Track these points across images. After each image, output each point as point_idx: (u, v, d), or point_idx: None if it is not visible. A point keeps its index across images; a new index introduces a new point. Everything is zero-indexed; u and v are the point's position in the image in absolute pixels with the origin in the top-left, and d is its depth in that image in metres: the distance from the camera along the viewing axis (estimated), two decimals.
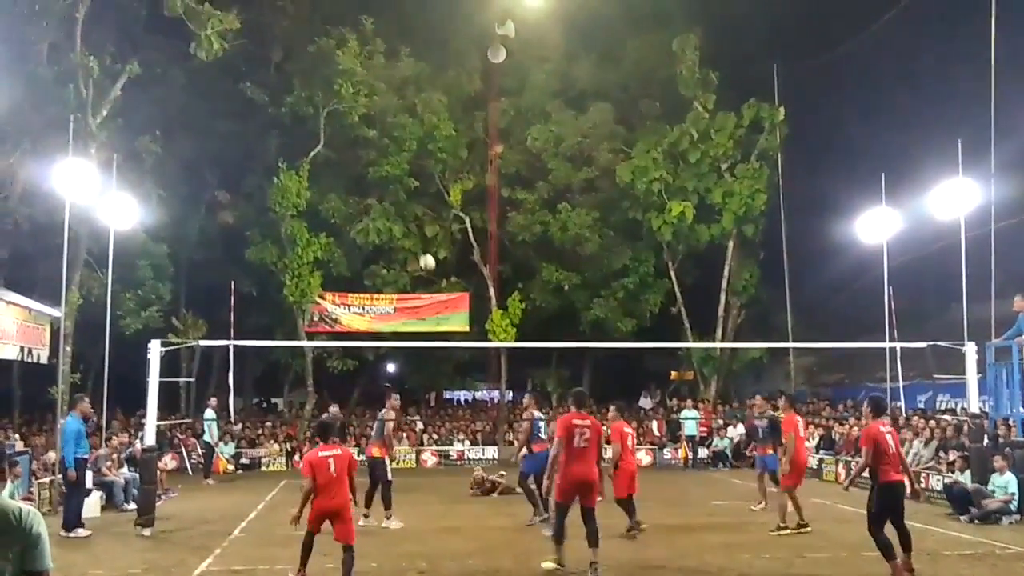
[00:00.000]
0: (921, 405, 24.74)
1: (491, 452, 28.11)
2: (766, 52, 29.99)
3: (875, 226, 24.16)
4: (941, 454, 18.69)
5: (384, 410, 15.08)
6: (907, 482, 10.16)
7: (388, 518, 14.34)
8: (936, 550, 12.02)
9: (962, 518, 14.90)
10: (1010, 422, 17.12)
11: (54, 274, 19.34)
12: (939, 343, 16.81)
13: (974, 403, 16.01)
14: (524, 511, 14.72)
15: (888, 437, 10.16)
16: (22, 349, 17.40)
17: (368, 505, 14.26)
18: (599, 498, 10.50)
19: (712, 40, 30.24)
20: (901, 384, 19.91)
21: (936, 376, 21.55)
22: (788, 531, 13.35)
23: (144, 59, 25.23)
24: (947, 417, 21.39)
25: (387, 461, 14.56)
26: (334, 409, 19.75)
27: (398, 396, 15.39)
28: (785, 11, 28.94)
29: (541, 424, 15.06)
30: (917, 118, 26.93)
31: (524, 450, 14.60)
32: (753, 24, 29.94)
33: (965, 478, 15.79)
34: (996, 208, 18.96)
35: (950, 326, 18.89)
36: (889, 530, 10.12)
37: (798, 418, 14.46)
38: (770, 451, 15.86)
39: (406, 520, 14.53)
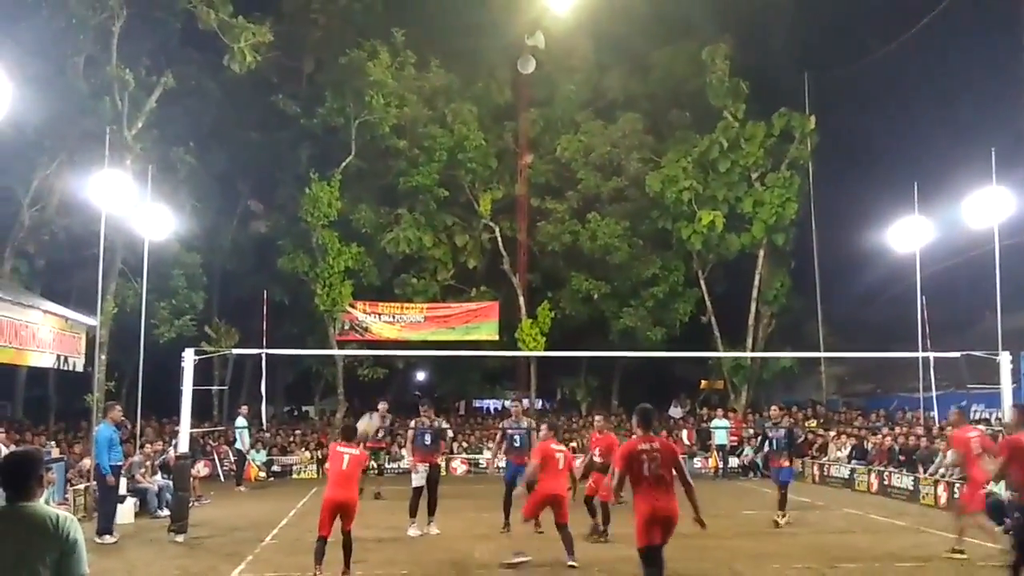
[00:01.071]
0: None
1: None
2: (796, 61, 29.92)
3: (908, 235, 24.05)
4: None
5: (417, 419, 15.24)
6: None
7: (430, 523, 14.52)
8: (971, 560, 11.91)
9: (998, 528, 14.73)
10: None
11: (90, 284, 19.66)
12: (973, 352, 16.66)
13: (1008, 413, 15.84)
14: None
15: None
16: (58, 358, 17.62)
17: (431, 513, 14.51)
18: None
19: (742, 49, 30.16)
20: (935, 393, 19.78)
21: (970, 386, 21.35)
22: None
23: (178, 72, 25.55)
24: (981, 427, 21.15)
25: (420, 467, 14.56)
26: (383, 406, 19.88)
27: (427, 405, 15.44)
28: (815, 20, 28.88)
29: (516, 436, 15.26)
30: (950, 127, 26.75)
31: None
32: (783, 33, 29.90)
33: (1000, 488, 15.61)
34: None
35: (984, 335, 18.75)
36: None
37: (970, 433, 13.27)
38: (785, 463, 15.77)
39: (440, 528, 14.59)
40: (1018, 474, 9.21)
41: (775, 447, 16.09)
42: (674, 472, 8.28)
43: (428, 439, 14.72)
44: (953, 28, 25.88)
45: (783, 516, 15.63)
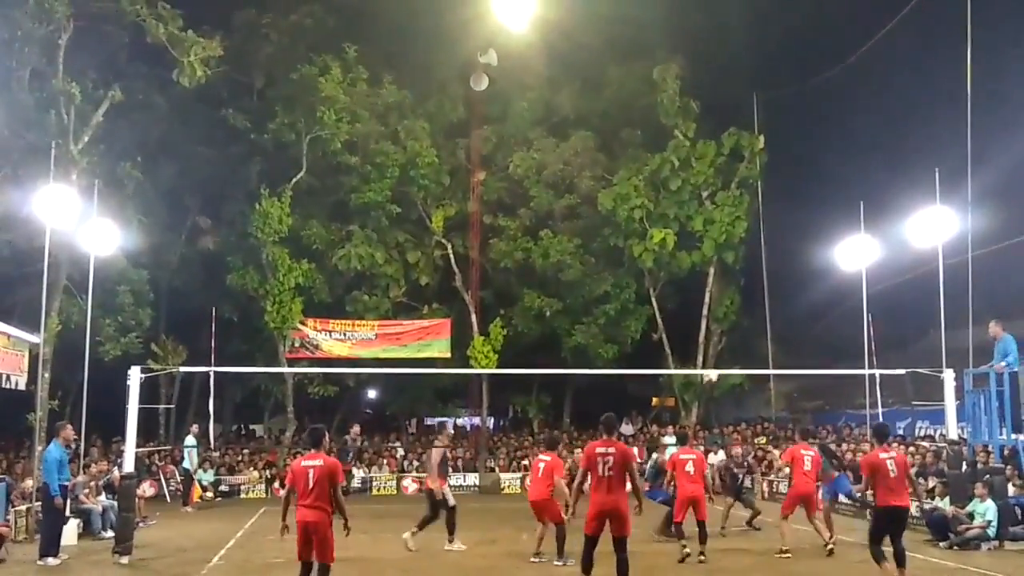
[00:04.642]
0: (900, 431, 24.86)
1: (472, 479, 28.02)
2: (746, 81, 30.30)
3: (854, 253, 24.39)
4: (920, 480, 18.75)
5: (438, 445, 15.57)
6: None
7: (450, 542, 14.57)
8: None
9: (941, 544, 14.95)
10: (988, 448, 17.23)
11: (34, 300, 19.29)
12: (918, 370, 16.94)
13: (952, 430, 16.11)
14: (512, 538, 14.74)
15: (889, 463, 10.48)
16: (0, 376, 17.24)
17: (420, 528, 14.45)
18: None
19: (692, 69, 30.55)
20: (880, 410, 20.08)
21: (915, 403, 21.70)
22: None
23: (126, 85, 25.19)
24: (926, 443, 21.51)
25: (444, 490, 14.67)
26: (355, 429, 19.79)
27: (447, 430, 15.84)
28: (764, 41, 29.30)
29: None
30: (895, 147, 27.25)
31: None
32: (733, 54, 30.25)
33: (944, 504, 15.87)
34: (973, 236, 19.16)
35: (928, 353, 19.05)
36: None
37: (803, 451, 14.34)
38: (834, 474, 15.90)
39: (386, 549, 14.46)
40: (875, 487, 10.59)
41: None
42: (626, 473, 9.99)
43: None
44: (898, 50, 26.38)
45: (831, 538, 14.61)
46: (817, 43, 29.35)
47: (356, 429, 19.41)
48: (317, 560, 9.35)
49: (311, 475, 9.36)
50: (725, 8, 29.57)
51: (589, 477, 10.00)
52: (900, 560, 10.50)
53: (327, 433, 10.39)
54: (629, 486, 10.07)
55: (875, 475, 10.47)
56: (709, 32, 29.98)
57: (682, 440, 15.68)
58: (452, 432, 15.51)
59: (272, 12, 29.88)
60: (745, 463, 17.88)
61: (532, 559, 13.20)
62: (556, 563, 12.72)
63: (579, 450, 17.81)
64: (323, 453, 9.71)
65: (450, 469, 17.22)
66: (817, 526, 14.06)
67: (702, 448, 21.99)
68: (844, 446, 23.24)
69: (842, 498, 17.01)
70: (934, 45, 23.83)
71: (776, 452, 24.51)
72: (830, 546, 13.77)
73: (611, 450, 9.94)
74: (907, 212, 21.66)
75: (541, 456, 13.69)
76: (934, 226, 19.89)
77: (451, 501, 14.57)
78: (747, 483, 18.46)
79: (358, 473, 26.87)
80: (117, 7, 23.73)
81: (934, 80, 24.17)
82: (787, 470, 14.62)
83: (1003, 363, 16.04)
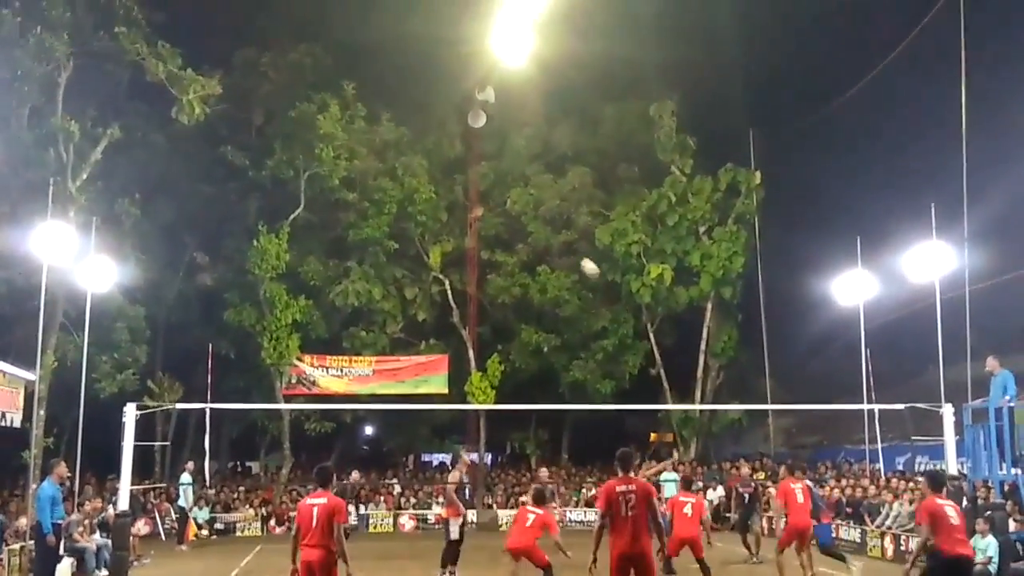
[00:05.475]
0: (900, 467, 24.72)
1: (470, 515, 27.76)
2: (742, 117, 30.50)
3: (851, 288, 24.45)
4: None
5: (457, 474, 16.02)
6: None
7: (442, 574, 14.78)
8: None
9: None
10: (988, 484, 17.14)
11: (30, 337, 19.23)
12: (916, 405, 16.84)
13: (952, 465, 16.00)
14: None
15: (950, 510, 9.61)
16: None
17: (443, 566, 14.77)
18: None
19: (689, 106, 30.75)
20: (880, 446, 20.01)
21: (914, 438, 21.59)
22: None
23: (125, 123, 25.32)
24: (925, 480, 21.36)
25: (453, 521, 14.96)
26: (354, 476, 19.54)
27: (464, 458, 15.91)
28: (760, 77, 29.52)
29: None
30: (892, 182, 27.31)
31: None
32: (729, 90, 30.49)
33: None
34: (970, 271, 19.18)
35: (927, 388, 19.00)
36: None
37: (792, 484, 14.30)
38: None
39: None
40: (937, 536, 9.44)
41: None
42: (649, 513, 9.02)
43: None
44: (895, 85, 26.53)
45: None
46: (813, 78, 29.55)
47: (356, 475, 19.36)
48: None
49: (315, 513, 9.30)
50: (720, 45, 29.86)
51: (609, 520, 9.06)
52: None
53: (334, 474, 10.37)
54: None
55: (936, 524, 9.44)
56: (705, 69, 30.17)
57: (686, 485, 15.64)
58: (471, 461, 15.47)
59: (271, 51, 30.06)
60: (752, 483, 17.98)
61: None
62: None
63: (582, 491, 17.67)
64: (329, 492, 9.69)
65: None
66: (803, 560, 14.01)
67: (700, 484, 22.13)
68: (843, 481, 23.17)
69: None
70: (930, 80, 24.00)
71: (773, 490, 24.49)
72: None
73: (632, 487, 9.03)
74: (904, 246, 21.71)
75: (530, 508, 13.19)
76: (931, 261, 19.93)
77: (453, 535, 14.53)
78: (755, 506, 18.49)
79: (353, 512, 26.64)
80: (117, 46, 23.94)
81: (930, 115, 24.29)
82: (782, 507, 14.45)
83: (1007, 397, 15.98)
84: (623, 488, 8.98)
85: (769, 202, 30.82)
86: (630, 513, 8.85)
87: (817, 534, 15.65)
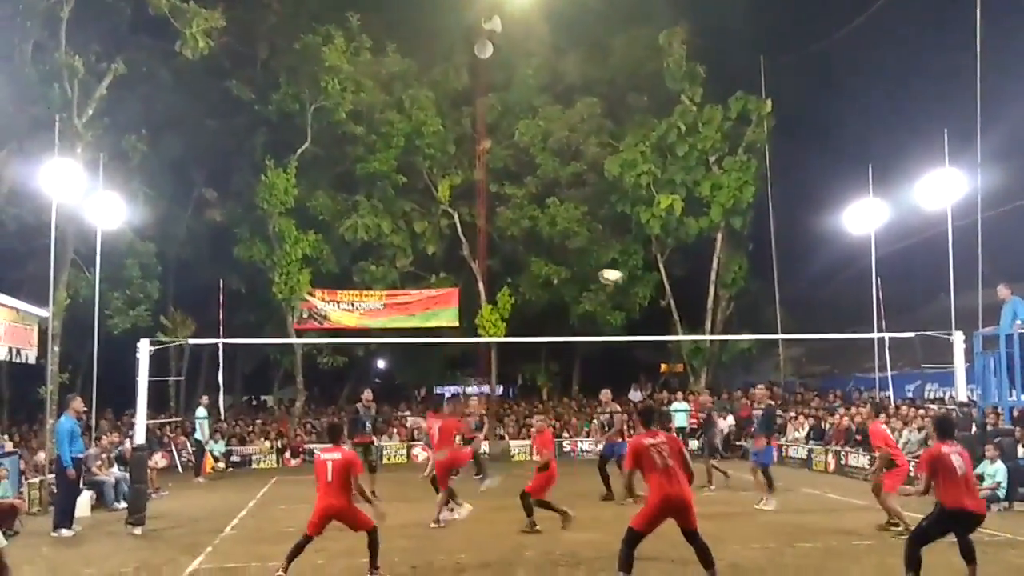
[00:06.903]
0: (909, 394, 24.84)
1: (483, 447, 28.04)
2: (752, 45, 30.00)
3: (862, 217, 24.31)
4: (930, 443, 18.75)
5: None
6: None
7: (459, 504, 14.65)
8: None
9: None
10: (998, 410, 17.22)
11: (41, 274, 19.34)
12: (926, 332, 16.87)
13: (962, 392, 16.05)
14: (511, 504, 14.75)
15: (955, 458, 9.01)
16: (10, 350, 17.29)
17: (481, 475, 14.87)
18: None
19: (698, 34, 30.25)
20: (889, 373, 20.03)
21: (924, 365, 21.63)
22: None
23: (129, 58, 25.05)
24: (935, 406, 21.50)
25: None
26: (367, 395, 19.19)
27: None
28: (771, 4, 28.96)
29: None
30: (903, 109, 27.04)
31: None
32: (739, 17, 29.93)
33: None
34: (982, 198, 19.01)
35: (938, 315, 19.01)
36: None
37: (882, 426, 13.76)
38: (763, 443, 15.98)
39: (397, 515, 14.51)
40: (942, 486, 9.01)
41: (755, 428, 16.34)
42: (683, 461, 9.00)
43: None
44: (906, 11, 26.11)
45: (764, 501, 15.57)
46: (824, 4, 29.08)
47: (368, 395, 18.95)
48: (362, 530, 9.82)
49: (330, 468, 9.63)
50: None
51: (641, 473, 9.01)
52: (969, 555, 9.10)
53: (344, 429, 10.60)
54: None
55: (938, 474, 8.98)
56: None
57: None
58: (475, 399, 15.50)
59: None
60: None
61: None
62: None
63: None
64: (341, 447, 10.03)
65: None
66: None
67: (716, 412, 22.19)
68: (853, 409, 23.31)
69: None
70: (943, 4, 23.59)
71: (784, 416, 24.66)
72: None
73: (661, 439, 9.00)
74: (916, 174, 21.53)
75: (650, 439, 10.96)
76: (943, 188, 19.76)
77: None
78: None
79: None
80: None
81: (943, 40, 23.94)
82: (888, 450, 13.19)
83: (1018, 322, 15.98)
84: (651, 441, 9.00)
85: (780, 131, 30.46)
86: (669, 463, 8.85)
87: (760, 457, 15.86)
